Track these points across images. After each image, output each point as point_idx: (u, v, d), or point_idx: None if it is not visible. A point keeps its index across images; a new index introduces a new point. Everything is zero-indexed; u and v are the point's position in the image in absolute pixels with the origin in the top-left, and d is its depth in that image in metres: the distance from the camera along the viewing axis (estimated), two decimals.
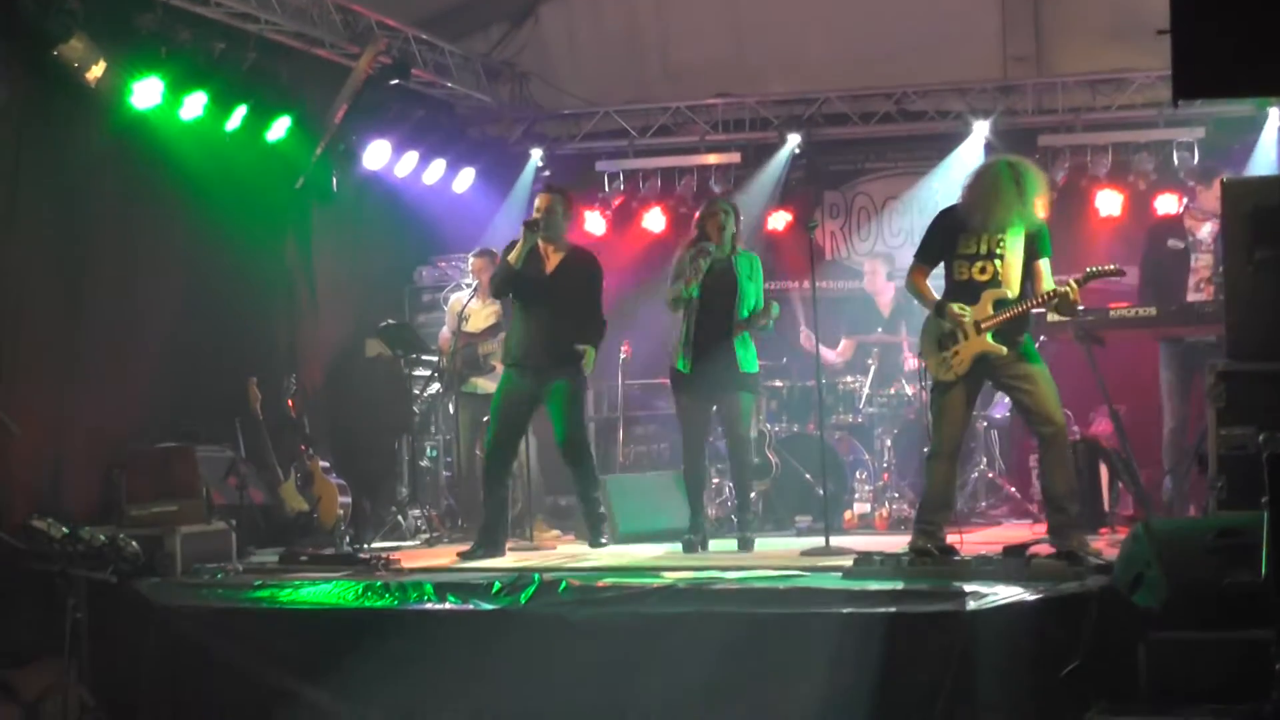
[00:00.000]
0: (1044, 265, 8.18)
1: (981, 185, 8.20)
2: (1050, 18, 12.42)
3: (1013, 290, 8.10)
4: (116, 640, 8.01)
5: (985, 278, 8.13)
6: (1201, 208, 9.99)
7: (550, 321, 9.25)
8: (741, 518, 9.48)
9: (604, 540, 9.38)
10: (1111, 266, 8.35)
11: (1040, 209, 8.32)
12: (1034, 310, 8.24)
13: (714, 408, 9.41)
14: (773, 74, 12.98)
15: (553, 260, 9.36)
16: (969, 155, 11.94)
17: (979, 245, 8.15)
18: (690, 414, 9.41)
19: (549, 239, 9.34)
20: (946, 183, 11.53)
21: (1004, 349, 8.05)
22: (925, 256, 8.43)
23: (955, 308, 8.09)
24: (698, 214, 9.56)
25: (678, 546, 9.23)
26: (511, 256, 9.25)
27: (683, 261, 9.34)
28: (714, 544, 9.51)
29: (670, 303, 9.36)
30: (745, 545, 9.26)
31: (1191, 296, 9.80)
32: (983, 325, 8.06)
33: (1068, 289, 8.01)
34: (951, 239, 8.25)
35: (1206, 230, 9.88)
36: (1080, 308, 8.29)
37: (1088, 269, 8.25)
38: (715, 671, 6.94)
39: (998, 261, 8.11)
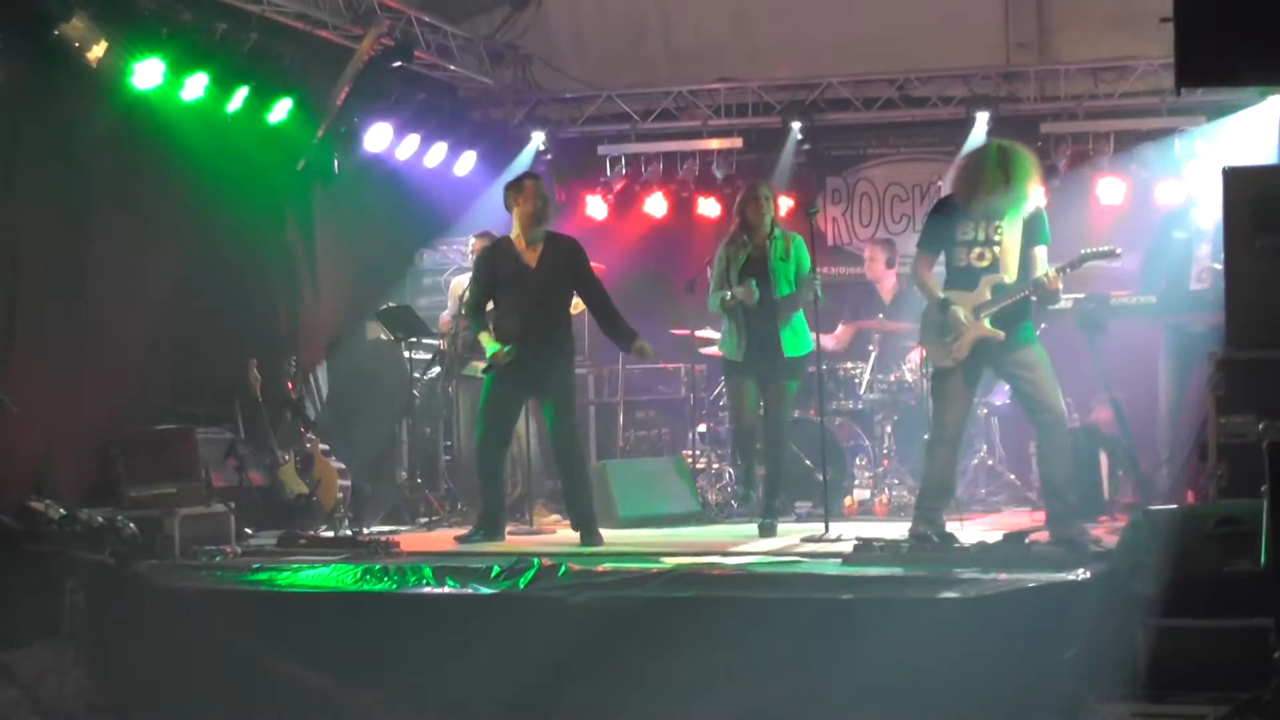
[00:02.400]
0: (1040, 253, 8.16)
1: (968, 169, 8.21)
2: (1053, 4, 12.40)
3: (1011, 276, 8.09)
4: (114, 622, 8.01)
5: (984, 264, 8.12)
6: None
7: (539, 313, 9.08)
8: (768, 503, 9.47)
9: (597, 542, 8.99)
10: (1105, 248, 8.35)
11: (1032, 193, 8.28)
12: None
13: (762, 393, 9.52)
14: (775, 59, 12.95)
15: (533, 254, 9.14)
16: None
17: (977, 232, 8.15)
18: (738, 396, 9.61)
19: (535, 231, 9.12)
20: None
21: (1002, 334, 8.04)
22: (928, 246, 8.42)
23: (957, 311, 8.06)
24: (738, 199, 9.71)
25: (678, 531, 9.21)
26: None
27: (721, 262, 9.50)
28: (718, 529, 9.54)
29: (713, 308, 9.59)
30: (766, 531, 9.23)
31: (1193, 285, 9.80)
32: (982, 311, 8.05)
33: (1044, 277, 8.00)
34: (950, 226, 8.24)
35: (1210, 220, 9.89)
36: (1060, 297, 8.28)
37: (1081, 251, 8.25)
38: (714, 656, 6.95)
39: (996, 248, 8.11)
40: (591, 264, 9.40)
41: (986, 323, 8.05)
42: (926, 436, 8.68)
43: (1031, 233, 8.13)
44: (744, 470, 10.01)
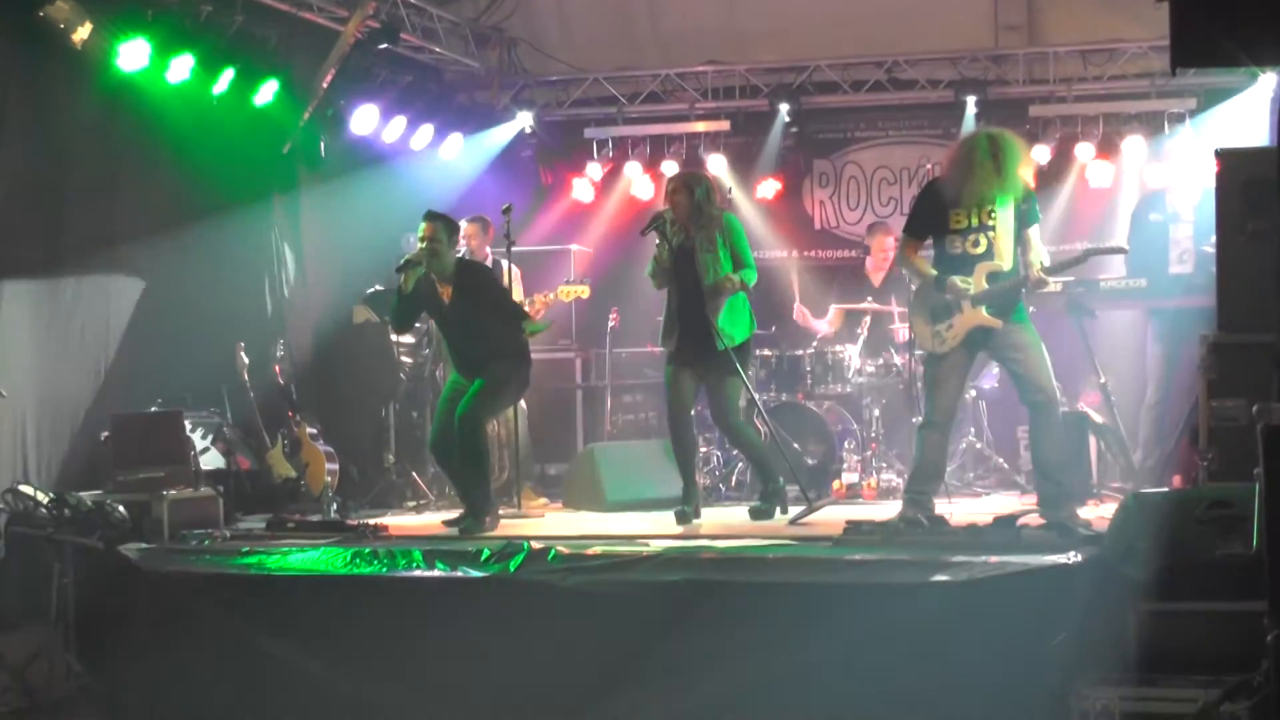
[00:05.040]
0: (1034, 233, 8.18)
1: (959, 159, 8.19)
2: None
3: (1006, 262, 8.09)
4: (103, 606, 8.00)
5: (979, 251, 8.11)
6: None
7: (463, 345, 9.22)
8: (764, 489, 9.32)
9: (485, 524, 8.93)
10: (1113, 245, 8.38)
11: (1023, 178, 8.27)
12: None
13: (700, 386, 9.26)
14: (763, 41, 12.92)
15: (446, 290, 9.18)
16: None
17: (970, 219, 8.13)
18: (675, 387, 9.20)
19: (437, 272, 9.15)
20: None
21: (999, 321, 8.04)
22: (916, 231, 8.41)
23: (956, 281, 8.06)
24: None
25: (667, 514, 9.18)
26: (403, 282, 9.17)
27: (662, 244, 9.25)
28: (707, 511, 9.49)
29: (650, 279, 9.31)
30: (756, 515, 9.13)
31: (1174, 268, 9.81)
32: (979, 301, 8.04)
33: (1040, 275, 8.03)
34: (942, 214, 8.21)
35: (1185, 202, 9.91)
36: (1047, 282, 8.31)
37: (1087, 247, 8.26)
38: (704, 639, 6.96)
39: (990, 234, 8.10)
40: (501, 284, 9.37)
41: (984, 310, 8.04)
42: (917, 420, 8.67)
43: (1023, 215, 8.13)
44: (685, 479, 9.24)
